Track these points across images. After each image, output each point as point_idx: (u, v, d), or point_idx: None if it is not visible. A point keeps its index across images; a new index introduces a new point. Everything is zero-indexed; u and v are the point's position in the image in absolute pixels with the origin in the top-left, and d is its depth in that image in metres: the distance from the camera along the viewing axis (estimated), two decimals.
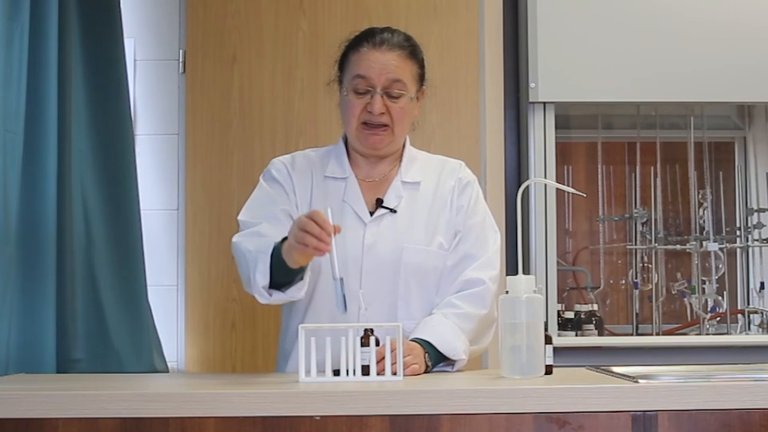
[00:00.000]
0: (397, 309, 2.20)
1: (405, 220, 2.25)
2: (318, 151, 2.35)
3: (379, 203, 2.26)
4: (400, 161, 2.31)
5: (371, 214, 2.25)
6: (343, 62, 2.26)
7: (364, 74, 2.19)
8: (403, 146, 2.33)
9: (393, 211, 2.25)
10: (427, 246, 2.23)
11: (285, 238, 2.02)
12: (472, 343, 2.19)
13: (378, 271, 2.20)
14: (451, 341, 2.12)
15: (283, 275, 2.05)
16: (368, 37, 2.22)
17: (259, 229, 2.16)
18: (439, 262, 2.24)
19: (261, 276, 2.05)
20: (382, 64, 2.19)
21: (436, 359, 2.11)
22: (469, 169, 2.36)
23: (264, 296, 2.08)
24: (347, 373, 1.88)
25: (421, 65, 2.27)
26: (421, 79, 2.27)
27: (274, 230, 2.15)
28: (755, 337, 3.57)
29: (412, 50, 2.24)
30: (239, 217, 2.24)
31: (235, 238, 2.18)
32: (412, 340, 2.10)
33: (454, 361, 2.15)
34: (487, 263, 2.24)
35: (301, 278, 2.07)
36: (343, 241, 2.19)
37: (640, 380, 1.73)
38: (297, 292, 2.08)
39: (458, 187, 2.30)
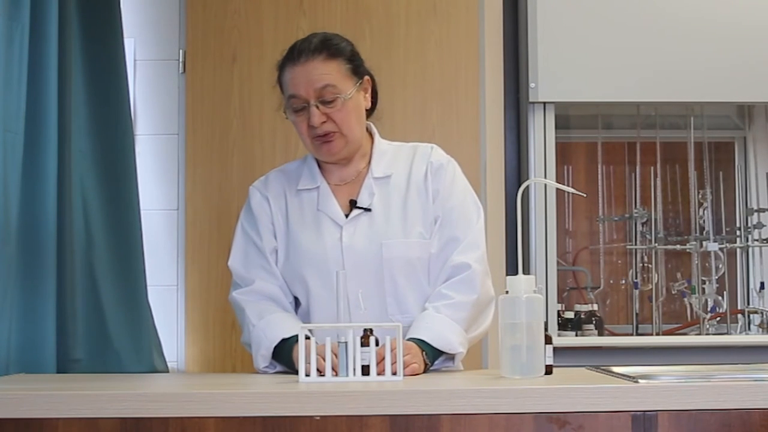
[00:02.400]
0: (387, 305, 2.21)
1: (381, 216, 2.25)
2: (293, 165, 2.38)
3: (353, 204, 2.26)
4: (370, 158, 2.31)
5: (347, 216, 2.25)
6: (280, 86, 2.27)
7: (294, 92, 2.20)
8: (373, 141, 2.33)
9: (367, 209, 2.25)
10: (406, 238, 2.23)
11: (294, 336, 2.08)
12: (469, 329, 2.19)
13: (361, 270, 2.20)
14: (447, 336, 2.13)
15: (285, 361, 2.14)
16: (288, 54, 2.23)
17: (255, 287, 2.25)
18: (422, 252, 2.24)
19: (262, 359, 2.17)
20: (305, 76, 2.18)
21: (434, 356, 2.12)
22: (442, 151, 2.34)
23: (264, 372, 2.18)
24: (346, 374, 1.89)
25: (351, 59, 2.24)
26: (356, 72, 2.24)
27: (268, 285, 2.25)
28: (755, 337, 3.57)
29: (334, 49, 2.21)
30: (230, 264, 2.31)
31: (234, 294, 2.28)
32: (408, 340, 2.10)
33: (454, 354, 2.15)
34: (471, 244, 2.23)
35: None
36: (323, 248, 2.22)
37: (640, 380, 1.73)
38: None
39: (431, 171, 2.28)
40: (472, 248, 2.23)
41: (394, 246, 2.22)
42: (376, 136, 2.34)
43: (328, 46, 2.21)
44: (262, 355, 2.16)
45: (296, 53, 2.20)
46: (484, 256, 2.25)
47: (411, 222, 2.24)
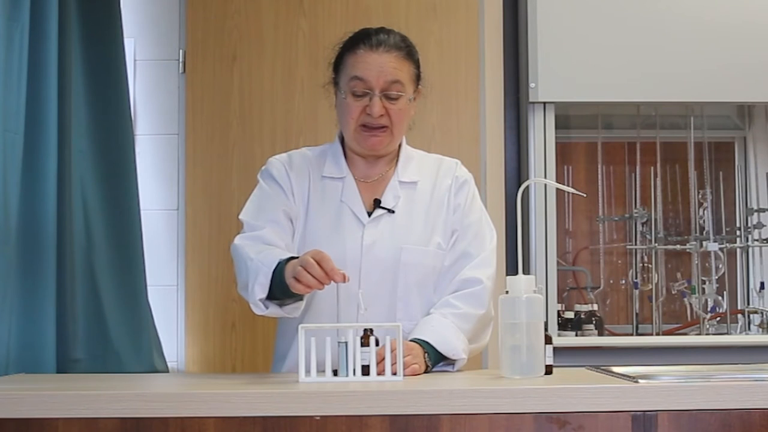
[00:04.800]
0: (396, 309, 2.20)
1: (403, 220, 2.25)
2: (314, 150, 2.35)
3: (377, 203, 2.26)
4: (397, 161, 2.31)
5: (369, 214, 2.25)
6: (338, 64, 2.25)
7: (362, 76, 2.18)
8: (399, 146, 2.33)
9: (391, 211, 2.25)
10: (426, 246, 2.23)
11: (290, 258, 2.02)
12: (470, 342, 2.19)
13: (377, 271, 2.20)
14: (451, 341, 2.12)
15: (281, 292, 2.04)
16: (364, 39, 2.21)
17: (262, 234, 2.17)
18: (437, 261, 2.24)
19: (260, 288, 2.05)
20: (380, 65, 2.18)
21: (436, 359, 2.12)
22: (465, 168, 2.36)
23: (260, 308, 2.07)
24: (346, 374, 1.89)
25: (417, 65, 2.27)
26: (418, 79, 2.27)
27: (276, 236, 2.18)
28: (755, 337, 3.57)
29: (409, 51, 2.24)
30: (241, 216, 2.24)
31: (237, 240, 2.18)
32: (411, 341, 2.10)
33: (454, 360, 2.15)
34: (484, 261, 2.24)
35: (301, 298, 2.08)
36: (342, 242, 2.20)
37: (640, 380, 1.73)
38: (294, 310, 2.09)
39: (455, 185, 2.30)
40: (485, 265, 2.24)
41: (414, 252, 2.22)
42: (404, 141, 2.35)
43: (407, 46, 2.23)
44: (260, 284, 2.04)
45: (375, 41, 2.20)
46: (494, 276, 2.26)
47: (431, 231, 2.25)
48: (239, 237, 2.19)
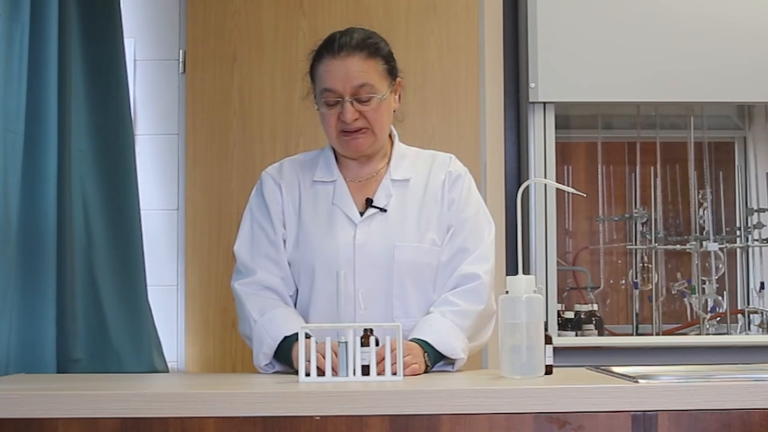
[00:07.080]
0: (393, 308, 2.21)
1: (396, 218, 2.25)
2: (308, 155, 2.37)
3: (369, 203, 2.26)
4: (389, 159, 2.31)
5: (362, 214, 2.25)
6: (312, 75, 2.25)
7: (330, 87, 2.18)
8: (392, 143, 2.33)
9: (383, 210, 2.25)
10: (419, 243, 2.23)
11: (295, 334, 2.04)
12: (471, 339, 2.19)
13: (371, 270, 2.20)
14: (450, 341, 2.13)
15: (285, 356, 2.13)
16: (327, 46, 2.20)
17: (258, 278, 2.23)
18: (432, 258, 2.24)
19: (264, 357, 2.16)
20: (345, 72, 2.17)
21: (436, 359, 2.12)
22: (460, 162, 2.35)
23: (264, 370, 2.18)
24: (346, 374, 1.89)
25: (387, 60, 2.24)
26: (391, 72, 2.25)
27: (271, 276, 2.23)
28: (755, 337, 3.57)
29: (375, 48, 2.21)
30: (235, 249, 2.29)
31: (236, 285, 2.25)
32: (411, 340, 2.10)
33: (454, 360, 2.15)
34: (482, 256, 2.24)
35: None
36: (335, 243, 2.21)
37: (640, 380, 1.73)
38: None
39: (449, 180, 2.29)
40: (483, 260, 2.24)
41: (407, 249, 2.22)
42: (396, 139, 2.34)
43: (369, 44, 2.21)
44: (264, 353, 2.15)
45: (337, 47, 2.18)
46: (493, 270, 2.26)
47: (425, 227, 2.25)
48: (237, 282, 2.25)
